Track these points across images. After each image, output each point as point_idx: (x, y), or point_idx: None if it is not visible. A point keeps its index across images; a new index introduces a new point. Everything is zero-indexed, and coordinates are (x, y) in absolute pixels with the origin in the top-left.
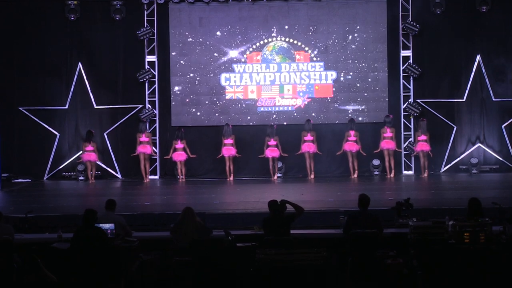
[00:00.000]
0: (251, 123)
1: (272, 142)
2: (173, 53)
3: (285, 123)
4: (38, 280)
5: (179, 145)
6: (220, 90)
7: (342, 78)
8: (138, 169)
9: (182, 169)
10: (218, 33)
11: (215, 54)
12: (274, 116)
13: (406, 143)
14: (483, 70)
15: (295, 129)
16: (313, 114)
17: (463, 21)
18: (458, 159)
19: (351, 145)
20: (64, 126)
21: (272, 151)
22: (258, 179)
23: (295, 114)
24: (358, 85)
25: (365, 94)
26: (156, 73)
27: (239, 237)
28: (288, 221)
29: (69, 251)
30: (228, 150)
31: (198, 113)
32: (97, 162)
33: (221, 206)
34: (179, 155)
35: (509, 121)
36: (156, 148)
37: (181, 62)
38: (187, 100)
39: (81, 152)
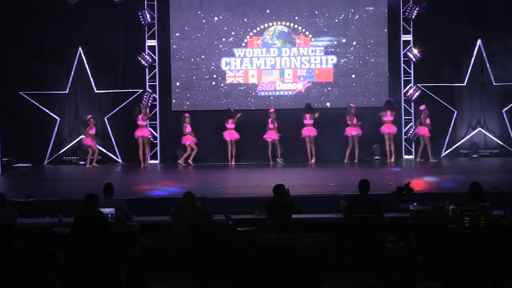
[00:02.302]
0: (251, 108)
1: (270, 125)
2: (174, 37)
3: (285, 108)
4: (42, 263)
5: (188, 128)
6: (220, 75)
7: (342, 63)
8: (138, 153)
9: (192, 153)
10: (219, 17)
11: (216, 38)
12: (274, 99)
13: (407, 127)
14: (484, 54)
15: (295, 114)
16: (314, 99)
17: (463, 5)
18: (459, 143)
19: (350, 129)
20: (64, 111)
21: (271, 134)
22: (258, 163)
23: (296, 98)
24: (359, 69)
25: (366, 79)
26: (156, 58)
27: (240, 222)
28: (290, 209)
29: (69, 235)
30: (230, 134)
31: (199, 98)
32: (96, 146)
33: (221, 190)
34: (186, 138)
35: (510, 105)
36: (156, 132)
37: (182, 46)
38: (188, 84)
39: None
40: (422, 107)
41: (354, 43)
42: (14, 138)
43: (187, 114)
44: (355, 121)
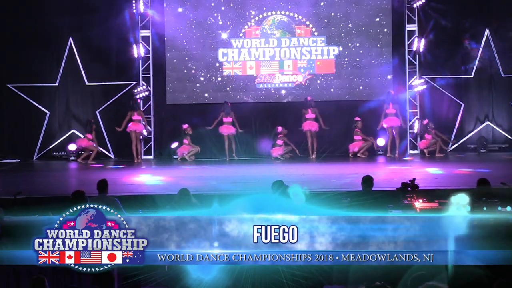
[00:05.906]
0: (250, 100)
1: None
2: (168, 27)
3: (285, 100)
4: None
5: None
6: (217, 66)
7: (344, 53)
8: (131, 148)
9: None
10: (215, 6)
11: (212, 28)
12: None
13: (412, 120)
14: (492, 45)
15: (295, 107)
16: (314, 91)
17: None
18: (466, 137)
19: (353, 145)
20: (54, 104)
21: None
22: (257, 158)
23: (296, 90)
24: (362, 60)
25: (369, 70)
26: (150, 49)
27: None
28: None
29: None
30: (228, 128)
31: (194, 90)
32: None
33: (218, 187)
34: (183, 149)
35: None
36: (150, 126)
37: (177, 36)
38: (183, 76)
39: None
40: (425, 121)
41: (357, 32)
42: (2, 133)
43: (186, 126)
44: (360, 137)
